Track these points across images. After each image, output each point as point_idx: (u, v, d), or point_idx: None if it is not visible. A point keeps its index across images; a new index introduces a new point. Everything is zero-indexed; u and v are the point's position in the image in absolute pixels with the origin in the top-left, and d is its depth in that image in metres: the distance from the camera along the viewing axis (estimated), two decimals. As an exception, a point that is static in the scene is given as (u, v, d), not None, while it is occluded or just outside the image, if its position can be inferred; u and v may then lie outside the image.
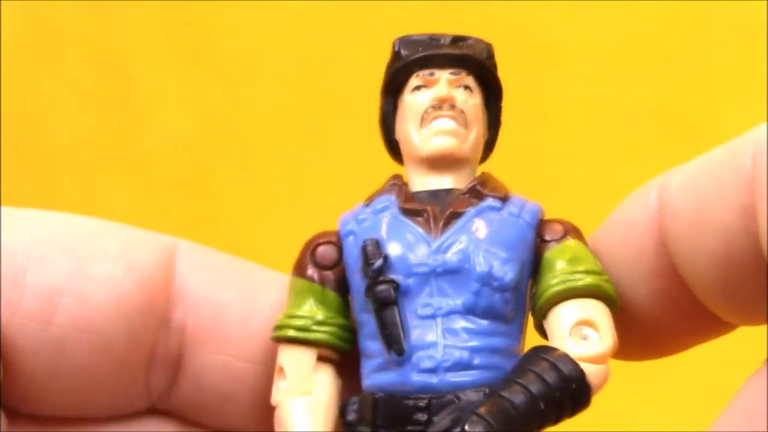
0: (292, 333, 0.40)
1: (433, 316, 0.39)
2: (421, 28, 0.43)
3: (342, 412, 0.40)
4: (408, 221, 0.40)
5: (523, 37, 0.90)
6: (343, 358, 0.41)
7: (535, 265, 0.41)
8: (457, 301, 0.39)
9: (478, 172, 0.42)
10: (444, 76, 0.41)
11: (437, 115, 0.41)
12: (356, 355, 0.41)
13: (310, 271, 0.41)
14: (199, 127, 1.03)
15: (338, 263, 0.41)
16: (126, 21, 1.05)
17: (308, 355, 0.41)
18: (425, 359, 0.39)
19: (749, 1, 0.85)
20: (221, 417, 0.44)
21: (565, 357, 0.38)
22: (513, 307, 0.40)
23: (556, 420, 0.38)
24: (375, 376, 0.40)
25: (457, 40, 0.42)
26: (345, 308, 0.41)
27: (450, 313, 0.39)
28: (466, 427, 0.36)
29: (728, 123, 0.86)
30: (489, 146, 0.43)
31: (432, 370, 0.39)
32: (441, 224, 0.40)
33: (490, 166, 0.43)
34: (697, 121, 0.88)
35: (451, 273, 0.39)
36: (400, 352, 0.39)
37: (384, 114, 0.43)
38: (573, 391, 0.37)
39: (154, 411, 0.44)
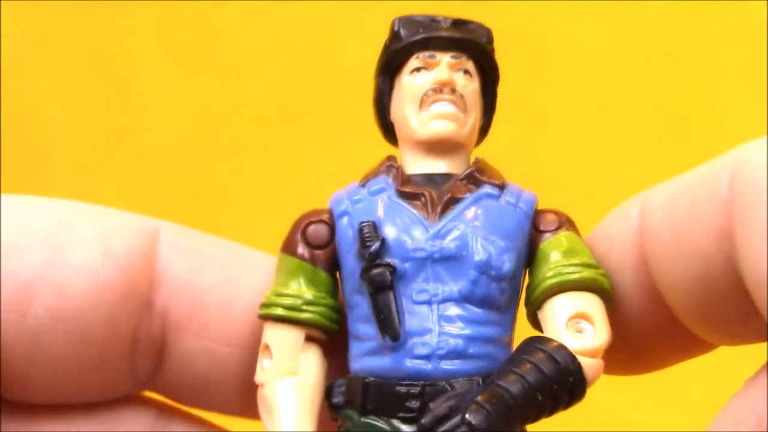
0: (280, 312, 0.40)
1: (428, 302, 0.39)
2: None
3: (328, 393, 0.40)
4: (405, 204, 0.40)
5: (523, 37, 0.90)
6: (330, 338, 0.41)
7: (529, 255, 0.40)
8: (454, 288, 0.39)
9: (472, 158, 0.42)
10: (445, 59, 0.41)
11: (437, 98, 0.41)
12: (342, 336, 0.41)
13: (301, 249, 0.40)
14: (198, 126, 1.03)
15: (330, 243, 0.40)
16: (125, 21, 1.05)
17: (296, 334, 0.40)
18: (420, 346, 0.38)
19: (749, 1, 0.85)
20: (207, 400, 0.43)
21: (562, 348, 0.38)
22: (508, 296, 0.39)
23: (552, 411, 0.38)
24: (366, 359, 0.39)
25: (457, 23, 0.42)
26: (335, 288, 0.41)
27: (446, 300, 0.39)
28: (467, 416, 0.36)
29: (728, 123, 0.86)
30: (483, 131, 0.43)
31: (426, 357, 0.38)
32: (439, 209, 0.40)
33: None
34: (698, 121, 0.88)
35: (449, 259, 0.39)
36: (395, 337, 0.38)
37: (379, 94, 0.42)
38: (570, 383, 0.37)
39: (134, 398, 0.44)
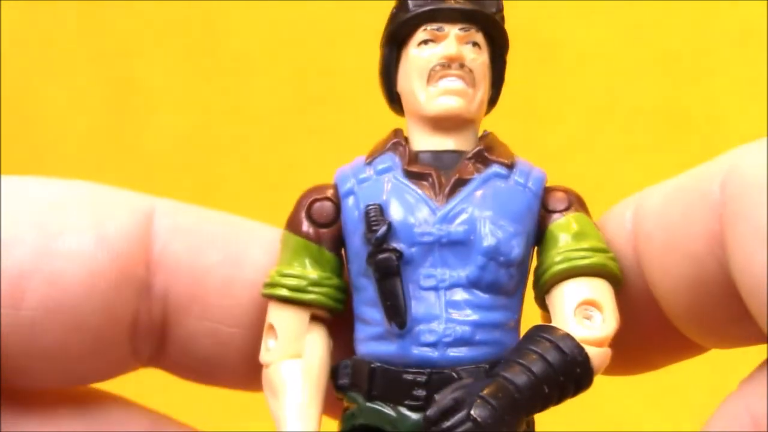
0: (285, 292, 0.39)
1: (435, 288, 0.38)
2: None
3: (333, 374, 0.39)
4: (412, 186, 0.39)
5: (523, 37, 0.90)
6: (336, 317, 0.40)
7: (538, 235, 0.39)
8: (462, 274, 0.38)
9: (481, 130, 0.41)
10: (453, 31, 0.40)
11: (445, 73, 0.40)
12: (348, 315, 0.40)
13: (306, 227, 0.40)
14: (198, 126, 1.03)
15: (335, 221, 0.40)
16: (125, 21, 1.05)
17: (301, 315, 0.39)
18: (426, 333, 0.38)
19: (749, 1, 0.85)
20: (213, 377, 0.43)
21: (567, 337, 0.37)
22: (517, 281, 0.39)
23: (558, 401, 0.37)
24: (372, 344, 0.39)
25: None
26: (341, 267, 0.40)
27: (453, 285, 0.38)
28: (472, 411, 0.36)
29: (728, 123, 0.86)
30: (491, 102, 0.41)
31: (433, 345, 0.38)
32: (447, 191, 0.39)
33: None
34: (698, 121, 0.88)
35: (456, 244, 0.38)
36: (402, 324, 0.38)
37: (386, 65, 0.41)
38: (576, 374, 0.37)
39: (130, 405, 0.43)
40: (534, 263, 0.40)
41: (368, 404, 0.38)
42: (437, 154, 0.40)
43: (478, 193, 0.39)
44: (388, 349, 0.38)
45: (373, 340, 0.39)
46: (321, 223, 0.40)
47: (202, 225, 0.41)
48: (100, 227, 0.40)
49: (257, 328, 0.40)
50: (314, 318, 0.40)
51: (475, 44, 0.40)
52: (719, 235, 0.36)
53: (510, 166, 0.39)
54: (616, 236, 0.40)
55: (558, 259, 0.39)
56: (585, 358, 0.37)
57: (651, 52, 0.89)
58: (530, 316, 0.40)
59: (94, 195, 0.41)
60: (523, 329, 0.39)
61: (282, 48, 1.00)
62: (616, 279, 0.39)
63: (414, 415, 0.38)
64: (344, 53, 0.94)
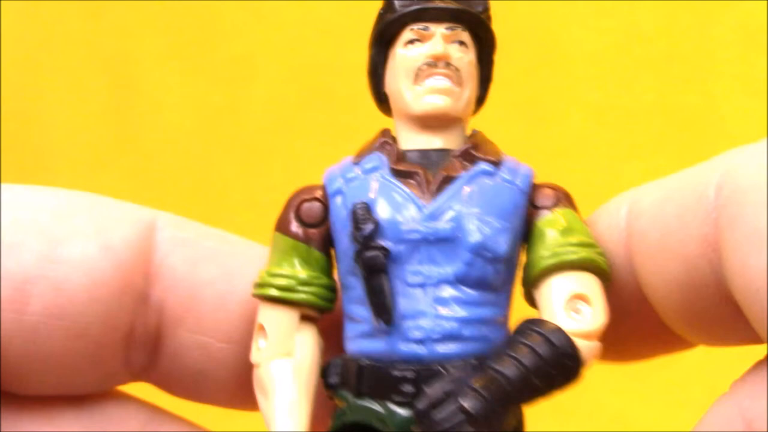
0: (274, 292, 0.40)
1: (422, 285, 0.38)
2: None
3: (324, 373, 0.40)
4: (399, 184, 0.39)
5: (524, 37, 0.90)
6: (325, 316, 0.41)
7: (526, 232, 0.40)
8: (449, 271, 0.38)
9: (468, 130, 0.41)
10: (439, 31, 0.40)
11: (432, 72, 0.40)
12: (339, 314, 0.40)
13: (294, 228, 0.40)
14: (199, 125, 1.03)
15: (324, 221, 0.40)
16: (126, 21, 1.05)
17: (291, 315, 0.40)
18: (414, 329, 0.38)
19: (749, 1, 0.85)
20: (201, 393, 0.43)
21: (558, 330, 0.37)
22: (504, 277, 0.39)
23: (548, 393, 0.37)
24: (360, 342, 0.39)
25: None
26: (329, 267, 0.40)
27: (440, 282, 0.38)
28: (462, 402, 0.36)
29: (728, 123, 0.86)
30: (479, 101, 0.42)
31: (420, 341, 0.38)
32: (433, 189, 0.39)
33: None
34: (697, 121, 0.88)
35: (443, 241, 0.38)
36: (389, 321, 0.38)
37: (373, 65, 0.41)
38: (566, 366, 0.37)
39: (127, 398, 0.43)
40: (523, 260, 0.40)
41: (357, 401, 0.39)
42: (425, 153, 0.40)
43: (465, 190, 0.39)
44: (376, 346, 0.39)
45: (361, 338, 0.39)
46: (309, 224, 0.40)
47: (200, 240, 0.42)
48: (103, 236, 0.41)
49: (247, 345, 0.41)
50: (304, 318, 0.40)
51: (461, 43, 0.41)
52: (713, 238, 0.36)
53: (497, 164, 0.40)
54: (610, 232, 0.40)
55: (546, 254, 0.39)
56: (575, 351, 0.37)
57: (651, 52, 0.89)
58: (521, 313, 0.40)
59: (98, 205, 0.42)
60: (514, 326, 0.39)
61: (282, 48, 1.00)
62: (605, 274, 0.39)
63: (403, 411, 0.38)
64: (344, 53, 0.94)
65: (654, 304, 0.39)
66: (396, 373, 0.38)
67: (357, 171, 0.40)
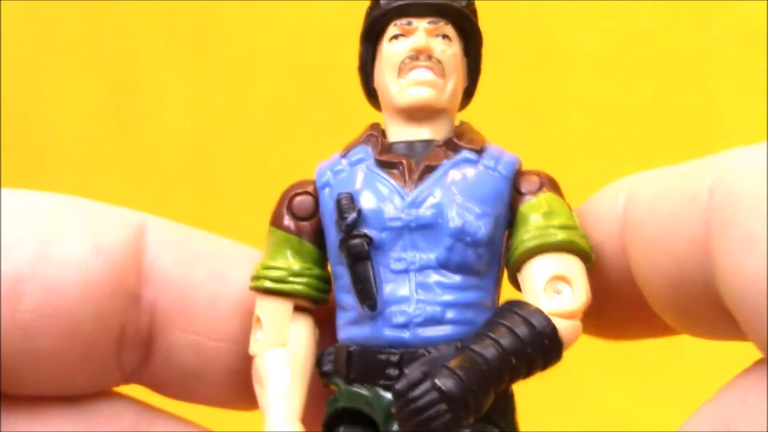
0: (268, 284, 0.41)
1: (405, 271, 0.39)
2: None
3: (318, 362, 0.41)
4: (383, 174, 0.40)
5: (523, 37, 0.90)
6: (322, 307, 0.41)
7: (510, 218, 0.40)
8: (431, 256, 0.39)
9: (457, 122, 0.42)
10: (422, 25, 0.41)
11: (414, 65, 0.41)
12: (334, 304, 0.41)
13: (287, 221, 0.41)
14: (199, 126, 1.03)
15: (315, 214, 0.41)
16: (126, 21, 1.05)
17: (284, 305, 0.41)
18: (397, 314, 0.39)
19: (749, 1, 0.85)
20: (194, 393, 0.43)
21: (537, 312, 0.38)
22: (487, 261, 0.39)
23: (527, 374, 0.38)
24: (349, 329, 0.40)
25: None
26: (322, 258, 0.41)
27: (423, 267, 0.39)
28: (436, 381, 0.36)
29: (728, 123, 0.86)
30: (469, 94, 0.43)
31: (404, 325, 0.39)
32: (416, 177, 0.40)
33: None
34: (697, 121, 0.88)
35: (425, 228, 0.39)
36: (373, 306, 0.39)
37: (363, 61, 0.42)
38: (545, 346, 0.37)
39: (118, 395, 0.44)
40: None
41: (347, 387, 0.39)
42: (410, 144, 0.41)
43: (447, 177, 0.40)
44: (362, 332, 0.39)
45: (350, 325, 0.40)
46: (301, 217, 0.41)
47: (190, 241, 0.43)
48: (95, 236, 0.41)
49: (240, 344, 0.42)
50: (299, 309, 0.41)
51: (445, 37, 0.41)
52: (703, 240, 0.36)
53: (479, 152, 0.41)
54: (607, 217, 0.40)
55: (527, 236, 0.39)
56: (553, 330, 0.37)
57: (651, 52, 0.89)
58: (513, 296, 0.40)
59: (90, 209, 0.43)
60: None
61: (282, 48, 1.00)
62: (586, 255, 0.39)
63: (388, 395, 0.38)
64: (344, 53, 0.94)
65: (644, 292, 0.39)
66: (381, 357, 0.39)
67: (344, 163, 0.41)
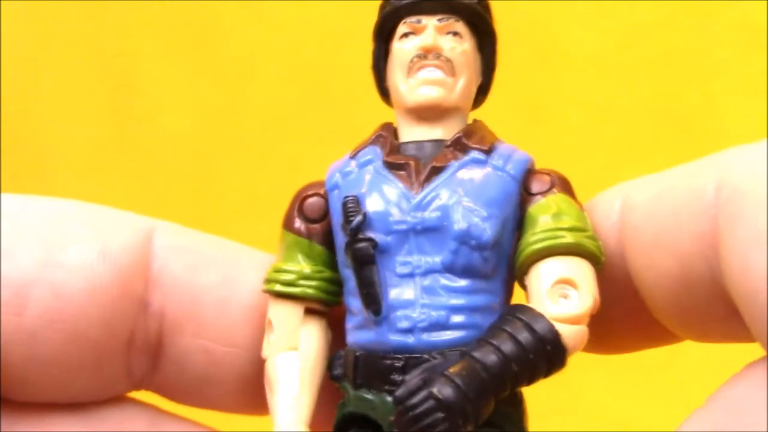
0: (278, 287, 0.40)
1: (411, 275, 0.39)
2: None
3: (330, 365, 0.40)
4: (390, 176, 0.40)
5: (523, 38, 0.90)
6: (337, 309, 0.41)
7: (519, 220, 0.40)
8: (436, 259, 0.38)
9: (470, 119, 0.41)
10: (431, 23, 0.41)
11: (423, 64, 0.40)
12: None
13: (298, 223, 0.41)
14: (199, 126, 1.03)
15: (326, 216, 0.41)
16: (126, 21, 1.05)
17: (295, 309, 0.40)
18: (402, 319, 0.38)
19: (749, 1, 0.85)
20: (205, 398, 0.43)
21: (540, 317, 0.37)
22: (494, 264, 0.39)
23: (530, 380, 0.37)
24: (356, 333, 0.39)
25: None
26: (334, 261, 0.41)
27: (428, 271, 0.38)
28: (433, 389, 0.36)
29: (728, 123, 0.86)
30: (483, 90, 0.42)
31: (408, 330, 0.38)
32: (423, 179, 0.39)
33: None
34: (697, 121, 0.88)
35: (431, 231, 0.39)
36: (377, 311, 0.38)
37: (376, 60, 0.42)
38: (547, 352, 0.37)
39: (130, 400, 0.43)
40: None
41: (355, 392, 0.39)
42: (420, 144, 0.40)
43: (453, 179, 0.39)
44: (368, 336, 0.39)
45: (356, 329, 0.39)
46: (312, 219, 0.41)
47: (200, 246, 0.42)
48: (102, 242, 0.41)
49: (250, 349, 0.41)
50: (311, 311, 0.41)
51: (455, 34, 0.41)
52: (710, 236, 0.36)
53: (488, 151, 0.40)
54: (603, 224, 0.40)
55: (534, 239, 0.39)
56: (556, 336, 0.37)
57: (651, 52, 0.89)
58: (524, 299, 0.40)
59: (96, 213, 0.42)
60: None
61: (282, 48, 1.00)
62: (595, 258, 0.39)
63: (391, 400, 0.38)
64: (344, 53, 0.95)
65: (645, 298, 0.39)
66: (386, 362, 0.38)
67: (353, 165, 0.40)
